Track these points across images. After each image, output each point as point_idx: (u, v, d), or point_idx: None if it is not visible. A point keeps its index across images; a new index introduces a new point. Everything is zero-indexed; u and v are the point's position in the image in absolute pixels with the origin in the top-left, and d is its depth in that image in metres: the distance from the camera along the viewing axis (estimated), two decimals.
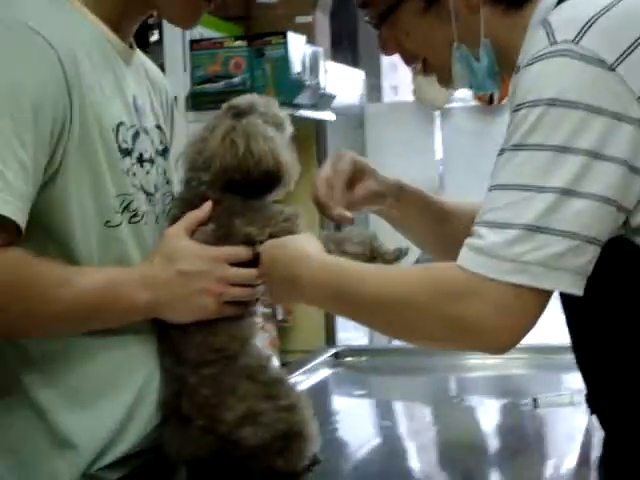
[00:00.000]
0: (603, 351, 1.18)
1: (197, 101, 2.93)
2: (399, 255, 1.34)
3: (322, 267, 1.24)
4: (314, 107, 3.14)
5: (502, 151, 1.10)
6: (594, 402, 1.26)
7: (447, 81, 1.29)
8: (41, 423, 1.28)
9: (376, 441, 1.63)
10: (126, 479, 1.30)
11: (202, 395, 1.30)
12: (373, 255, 1.33)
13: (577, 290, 1.06)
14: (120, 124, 1.33)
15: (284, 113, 1.43)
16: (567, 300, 1.16)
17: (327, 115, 3.28)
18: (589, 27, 1.06)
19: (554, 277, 1.04)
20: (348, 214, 1.39)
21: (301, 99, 2.99)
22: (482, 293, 1.06)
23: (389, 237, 1.55)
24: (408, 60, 1.30)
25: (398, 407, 1.92)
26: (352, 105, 3.80)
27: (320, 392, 1.93)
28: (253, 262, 1.33)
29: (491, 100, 3.73)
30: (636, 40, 1.06)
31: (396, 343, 2.95)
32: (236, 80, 2.93)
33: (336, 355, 2.11)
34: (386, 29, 1.27)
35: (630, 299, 1.13)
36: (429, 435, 1.66)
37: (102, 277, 1.28)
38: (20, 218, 1.18)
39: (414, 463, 1.51)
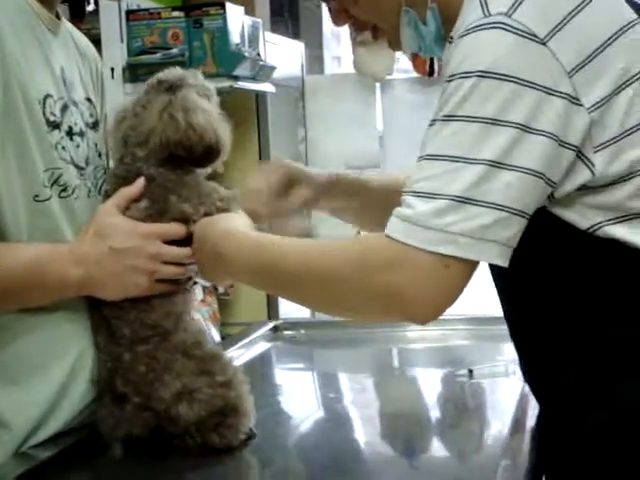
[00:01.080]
0: (531, 322, 1.20)
1: (134, 72, 2.88)
2: None
3: (246, 242, 1.23)
4: (254, 79, 3.11)
5: (433, 122, 1.09)
6: (526, 372, 1.28)
7: (397, 45, 1.28)
8: None
9: (317, 412, 1.64)
10: (58, 457, 1.29)
11: (137, 372, 1.29)
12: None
13: (503, 262, 1.07)
14: (47, 96, 1.30)
15: (210, 84, 1.42)
16: (496, 271, 1.16)
17: (267, 87, 3.25)
18: (522, 0, 1.06)
19: (481, 248, 1.05)
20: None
21: (240, 71, 2.96)
22: (410, 262, 1.05)
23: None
24: (359, 28, 1.29)
25: (337, 379, 1.92)
26: (292, 77, 3.78)
27: (260, 365, 1.93)
28: (187, 240, 1.32)
29: (431, 72, 3.73)
30: (567, 15, 1.06)
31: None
32: (174, 51, 2.88)
33: (275, 328, 2.10)
34: (335, 1, 1.27)
35: (551, 269, 1.14)
36: (368, 406, 1.67)
37: (31, 254, 1.26)
38: None
39: (352, 433, 1.51)
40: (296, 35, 4.46)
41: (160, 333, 1.31)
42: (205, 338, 1.35)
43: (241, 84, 2.97)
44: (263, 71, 3.15)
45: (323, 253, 1.15)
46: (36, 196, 1.27)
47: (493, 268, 1.13)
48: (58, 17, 1.39)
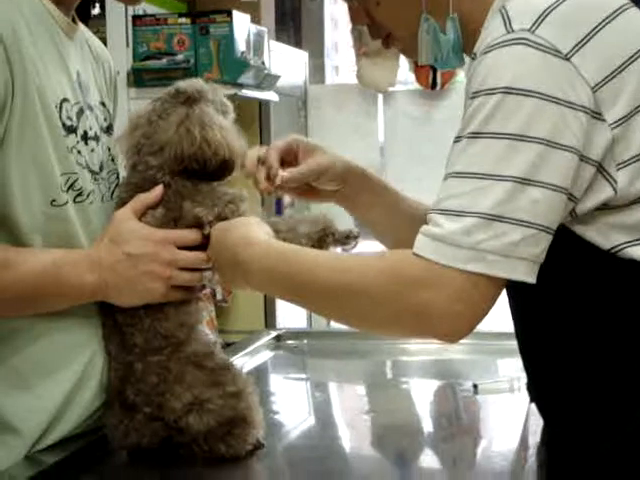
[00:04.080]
0: (545, 340, 1.19)
1: (139, 77, 2.89)
2: (349, 235, 1.34)
3: (268, 253, 1.22)
4: (258, 87, 3.12)
5: (458, 138, 1.09)
6: (534, 390, 1.27)
7: (412, 54, 1.28)
8: None
9: (311, 422, 1.63)
10: (66, 461, 1.29)
11: (149, 383, 1.29)
12: (326, 233, 1.33)
13: (531, 279, 1.07)
14: (64, 100, 1.30)
15: (228, 100, 1.42)
16: (511, 287, 1.16)
17: (270, 95, 3.26)
18: (545, 17, 1.07)
19: (510, 265, 1.05)
20: (270, 187, 1.39)
21: (245, 79, 2.97)
22: (439, 281, 1.06)
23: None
24: (374, 33, 1.30)
25: (336, 389, 1.92)
26: (295, 86, 3.79)
27: (261, 374, 1.92)
28: (202, 246, 1.32)
29: (434, 85, 3.75)
30: (591, 31, 1.07)
31: (337, 326, 2.96)
32: (179, 57, 2.90)
33: (277, 338, 2.10)
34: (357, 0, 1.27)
35: (570, 289, 1.14)
36: (366, 417, 1.67)
37: (46, 259, 1.26)
38: None
39: (348, 444, 1.51)
40: (298, 44, 4.47)
41: (173, 343, 1.30)
42: (216, 349, 1.34)
43: (245, 92, 2.99)
44: (267, 80, 3.16)
45: (351, 268, 1.14)
46: (53, 201, 1.26)
47: (508, 284, 1.13)
48: (74, 21, 1.39)
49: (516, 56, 1.06)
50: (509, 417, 1.58)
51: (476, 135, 1.07)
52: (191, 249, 1.31)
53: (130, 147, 1.36)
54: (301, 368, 2.07)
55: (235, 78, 2.92)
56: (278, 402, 1.72)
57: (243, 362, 1.87)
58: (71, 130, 1.30)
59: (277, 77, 3.25)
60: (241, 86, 2.96)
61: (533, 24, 1.06)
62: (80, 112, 1.34)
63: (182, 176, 1.33)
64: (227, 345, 2.15)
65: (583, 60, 1.05)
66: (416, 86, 3.86)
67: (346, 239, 1.33)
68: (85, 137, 1.34)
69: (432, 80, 3.73)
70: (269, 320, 3.30)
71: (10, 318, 1.27)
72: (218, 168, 1.34)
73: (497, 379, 1.71)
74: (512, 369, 1.74)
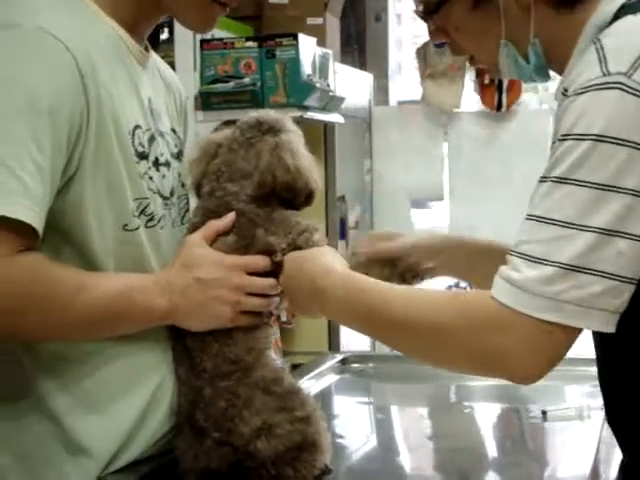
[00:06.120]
0: (627, 371, 1.17)
1: (207, 101, 2.92)
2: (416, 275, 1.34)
3: (346, 282, 1.22)
4: (323, 109, 3.13)
5: (543, 179, 1.07)
6: (614, 422, 1.24)
7: (495, 73, 1.28)
8: (55, 428, 1.28)
9: (375, 446, 1.63)
10: None
11: (218, 408, 1.29)
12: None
13: (610, 328, 1.05)
14: (136, 127, 1.32)
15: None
16: None
17: (336, 117, 3.28)
18: None
19: (589, 316, 1.03)
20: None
21: (310, 101, 2.98)
22: (513, 327, 1.05)
23: None
24: (455, 51, 1.29)
25: (400, 413, 1.91)
26: (360, 107, 3.80)
27: (325, 397, 1.92)
28: (272, 273, 1.33)
29: (499, 107, 3.73)
30: None
31: None
32: (246, 81, 2.92)
33: (343, 361, 2.10)
34: (436, 20, 1.26)
35: None
36: (429, 441, 1.66)
37: (119, 283, 1.28)
38: (37, 222, 1.17)
39: (411, 467, 1.51)
40: (363, 66, 4.49)
41: (242, 368, 1.31)
42: (285, 374, 1.35)
43: (311, 114, 3.00)
44: (332, 102, 3.17)
45: (428, 305, 1.14)
46: (125, 225, 1.29)
47: None
48: (147, 49, 1.42)
49: (610, 102, 1.02)
50: (579, 445, 1.55)
51: (562, 180, 1.04)
52: (260, 276, 1.32)
53: (208, 174, 1.37)
54: (366, 391, 2.07)
55: (301, 101, 2.93)
56: (342, 425, 1.71)
57: (309, 385, 1.87)
58: (143, 156, 1.33)
59: (342, 99, 3.26)
60: (307, 108, 2.97)
61: (630, 67, 1.03)
62: (152, 139, 1.36)
63: (257, 204, 1.34)
64: (293, 367, 2.16)
65: None
66: (481, 107, 3.84)
67: (412, 278, 1.33)
68: (156, 163, 1.36)
69: (497, 102, 3.71)
70: (333, 342, 3.30)
71: (82, 341, 1.29)
72: (305, 198, 1.36)
73: (566, 406, 1.69)
74: (580, 395, 1.72)
